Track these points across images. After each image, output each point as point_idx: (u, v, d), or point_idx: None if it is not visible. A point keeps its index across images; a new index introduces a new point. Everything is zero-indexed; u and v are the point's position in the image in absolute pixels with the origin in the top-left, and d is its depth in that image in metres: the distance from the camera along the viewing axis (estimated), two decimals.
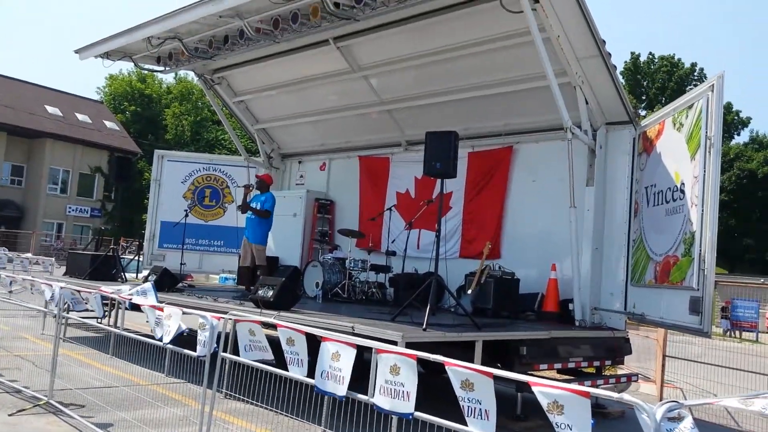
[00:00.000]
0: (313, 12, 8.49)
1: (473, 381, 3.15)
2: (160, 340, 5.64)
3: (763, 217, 46.88)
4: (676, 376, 10.63)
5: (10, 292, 9.15)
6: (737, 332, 23.65)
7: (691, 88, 52.90)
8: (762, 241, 46.61)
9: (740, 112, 53.20)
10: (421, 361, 3.76)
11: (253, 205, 9.92)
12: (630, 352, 8.55)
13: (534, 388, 2.87)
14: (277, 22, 9.04)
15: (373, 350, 3.86)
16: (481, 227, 10.56)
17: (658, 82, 55.39)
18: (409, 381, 3.60)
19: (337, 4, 8.19)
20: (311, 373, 4.30)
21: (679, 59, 56.37)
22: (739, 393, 9.14)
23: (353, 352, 3.98)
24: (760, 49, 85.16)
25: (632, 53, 56.71)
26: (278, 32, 9.20)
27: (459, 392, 3.25)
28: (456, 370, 3.27)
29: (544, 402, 2.84)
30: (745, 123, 54.17)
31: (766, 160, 48.81)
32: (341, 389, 4.02)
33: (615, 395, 2.75)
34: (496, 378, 3.25)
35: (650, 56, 57.21)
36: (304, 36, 9.76)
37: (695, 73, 55.87)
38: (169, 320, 5.31)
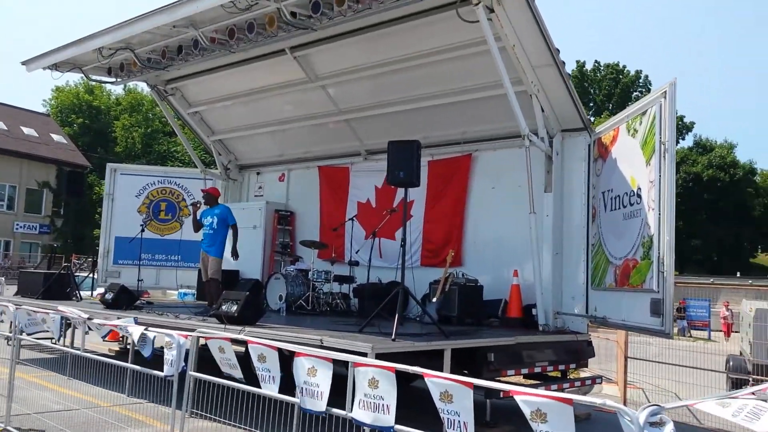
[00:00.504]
0: (269, 22, 8.44)
1: (452, 392, 3.15)
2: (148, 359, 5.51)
3: (709, 218, 48.55)
4: (636, 377, 10.87)
5: None
6: (689, 331, 24.38)
7: (637, 95, 54.79)
8: (709, 243, 48.25)
9: (684, 117, 55.05)
10: None
11: (206, 219, 9.67)
12: (593, 355, 8.71)
13: (517, 398, 2.89)
14: (233, 31, 8.95)
15: (350, 364, 3.83)
16: (441, 235, 10.63)
17: (605, 89, 56.88)
18: (389, 394, 3.58)
19: (293, 14, 8.15)
20: (283, 389, 4.24)
21: (624, 66, 58.03)
22: (698, 391, 9.36)
23: (330, 366, 3.93)
24: (702, 56, 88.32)
25: (578, 61, 58.09)
26: (234, 42, 9.10)
27: (438, 404, 3.25)
28: (435, 381, 3.27)
29: (527, 410, 2.85)
30: (689, 128, 56.01)
31: (711, 164, 50.57)
32: (320, 405, 3.97)
33: (598, 401, 2.79)
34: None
35: (596, 64, 58.72)
36: (261, 46, 9.69)
37: (640, 80, 57.59)
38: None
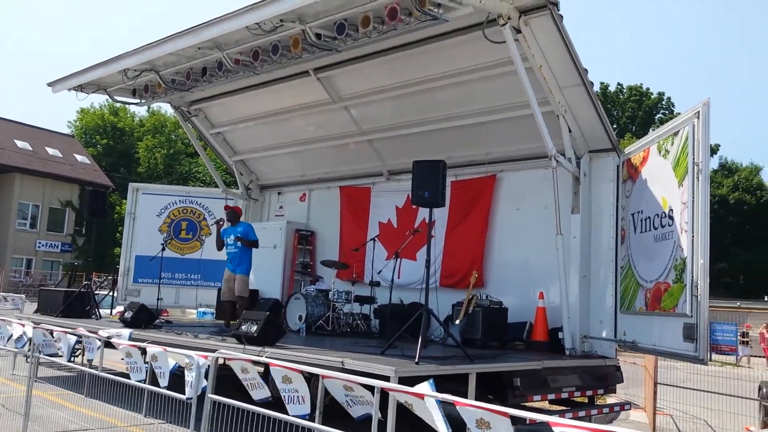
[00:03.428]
0: (293, 43, 8.40)
1: (488, 420, 2.98)
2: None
3: (735, 241, 47.73)
4: (664, 402, 10.54)
5: None
6: (713, 355, 23.81)
7: (660, 116, 54.39)
8: (735, 265, 47.37)
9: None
10: None
11: (229, 239, 9.73)
12: (621, 381, 8.45)
13: (556, 429, 2.70)
14: (257, 53, 8.93)
15: (376, 389, 3.68)
16: (463, 256, 10.47)
17: (628, 111, 56.50)
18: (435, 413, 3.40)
19: (318, 36, 8.12)
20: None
21: (647, 88, 57.66)
22: (730, 419, 9.03)
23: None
24: (725, 77, 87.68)
25: (601, 83, 57.83)
26: (258, 63, 9.08)
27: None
28: (468, 410, 3.10)
29: None
30: (714, 150, 55.31)
31: (736, 186, 49.88)
32: (371, 409, 3.82)
33: None
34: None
35: (619, 86, 58.44)
36: (284, 67, 9.64)
37: (663, 102, 57.15)
38: (156, 361, 5.05)
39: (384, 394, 3.75)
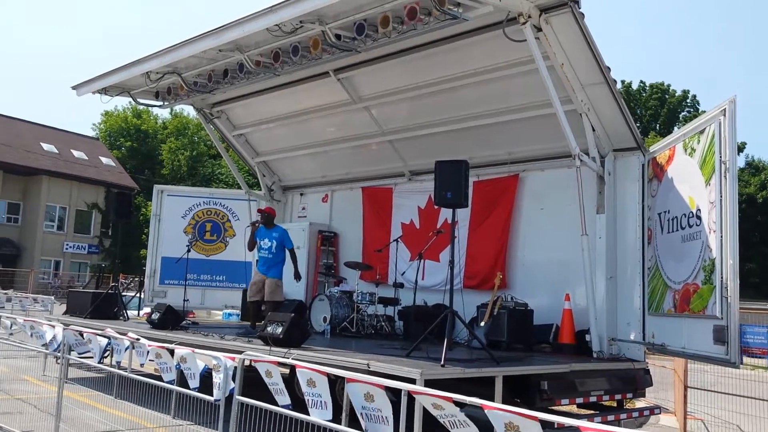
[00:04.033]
0: (313, 44, 8.43)
1: (517, 424, 2.95)
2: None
3: (763, 240, 46.84)
4: (694, 406, 10.36)
5: (11, 334, 8.91)
6: (744, 358, 23.29)
7: (684, 114, 53.61)
8: (764, 266, 46.47)
9: None
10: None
11: (263, 242, 9.80)
12: (650, 384, 8.32)
13: None
14: (278, 54, 8.98)
15: (403, 392, 3.67)
16: (485, 257, 10.41)
17: (651, 109, 55.77)
18: (459, 414, 3.38)
19: (338, 36, 8.15)
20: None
21: (669, 85, 56.88)
22: (762, 423, 8.84)
23: (383, 393, 3.78)
24: (751, 75, 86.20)
25: (623, 81, 57.14)
26: (278, 65, 9.13)
27: None
28: (497, 414, 3.08)
29: None
30: (741, 148, 54.38)
31: (763, 185, 48.98)
32: (388, 430, 3.82)
33: None
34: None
35: (641, 84, 57.70)
36: (304, 68, 9.68)
37: (687, 100, 56.32)
38: (185, 363, 5.09)
39: (410, 401, 3.73)
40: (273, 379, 4.56)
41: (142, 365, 6.60)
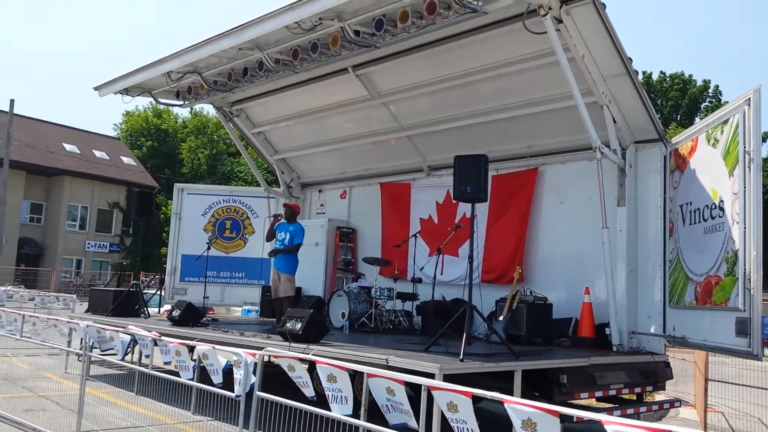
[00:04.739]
0: (332, 41, 8.43)
1: (536, 421, 2.94)
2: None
3: None
4: (714, 399, 10.24)
5: (35, 331, 9.04)
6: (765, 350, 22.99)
7: (706, 105, 52.89)
8: None
9: None
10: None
11: (280, 234, 9.86)
12: (671, 377, 8.25)
13: (608, 428, 2.63)
14: (297, 52, 9.00)
15: (423, 387, 3.66)
16: (504, 251, 10.35)
17: (672, 99, 55.09)
18: (470, 418, 3.39)
19: (357, 32, 8.14)
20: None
21: (690, 75, 56.11)
22: None
23: (402, 388, 3.78)
24: None
25: (643, 72, 56.48)
26: (297, 62, 9.15)
27: None
28: (516, 408, 3.06)
29: None
30: (763, 138, 53.63)
31: None
32: (411, 420, 3.83)
33: None
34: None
35: (662, 75, 57.01)
36: (323, 65, 9.69)
37: (709, 90, 55.54)
38: (207, 359, 5.13)
39: (429, 399, 3.74)
40: (297, 373, 4.56)
41: (166, 363, 6.66)
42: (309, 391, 4.51)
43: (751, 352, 6.38)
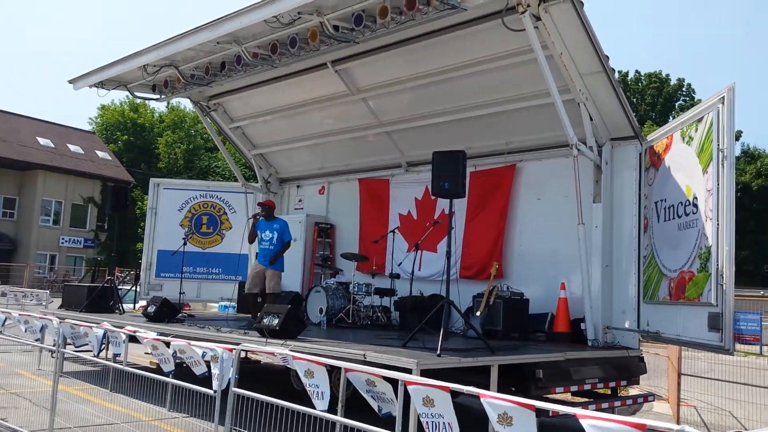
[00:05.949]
0: (311, 36, 8.39)
1: (512, 415, 2.95)
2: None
3: (759, 228, 46.97)
4: (687, 393, 10.41)
5: (3, 325, 8.89)
6: (736, 345, 23.21)
7: (680, 104, 53.59)
8: (758, 253, 46.65)
9: None
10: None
11: (265, 234, 9.81)
12: (645, 372, 8.36)
13: (584, 422, 2.65)
14: (275, 46, 8.93)
15: (400, 382, 3.66)
16: (482, 247, 10.40)
17: (648, 98, 55.75)
18: (448, 412, 3.40)
19: (336, 27, 8.10)
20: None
21: (667, 75, 56.84)
22: (755, 410, 8.87)
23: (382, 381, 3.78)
24: (747, 63, 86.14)
25: (620, 71, 57.03)
26: (276, 57, 9.09)
27: (497, 426, 3.05)
28: (493, 402, 3.07)
29: None
30: (737, 136, 54.44)
31: (759, 173, 49.07)
32: (394, 408, 3.83)
33: (675, 427, 2.55)
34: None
35: (637, 74, 57.64)
36: (302, 60, 9.63)
37: (683, 89, 56.31)
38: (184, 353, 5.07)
39: (407, 394, 3.74)
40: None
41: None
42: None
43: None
